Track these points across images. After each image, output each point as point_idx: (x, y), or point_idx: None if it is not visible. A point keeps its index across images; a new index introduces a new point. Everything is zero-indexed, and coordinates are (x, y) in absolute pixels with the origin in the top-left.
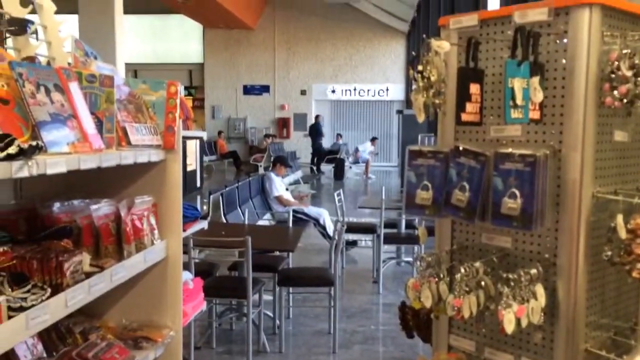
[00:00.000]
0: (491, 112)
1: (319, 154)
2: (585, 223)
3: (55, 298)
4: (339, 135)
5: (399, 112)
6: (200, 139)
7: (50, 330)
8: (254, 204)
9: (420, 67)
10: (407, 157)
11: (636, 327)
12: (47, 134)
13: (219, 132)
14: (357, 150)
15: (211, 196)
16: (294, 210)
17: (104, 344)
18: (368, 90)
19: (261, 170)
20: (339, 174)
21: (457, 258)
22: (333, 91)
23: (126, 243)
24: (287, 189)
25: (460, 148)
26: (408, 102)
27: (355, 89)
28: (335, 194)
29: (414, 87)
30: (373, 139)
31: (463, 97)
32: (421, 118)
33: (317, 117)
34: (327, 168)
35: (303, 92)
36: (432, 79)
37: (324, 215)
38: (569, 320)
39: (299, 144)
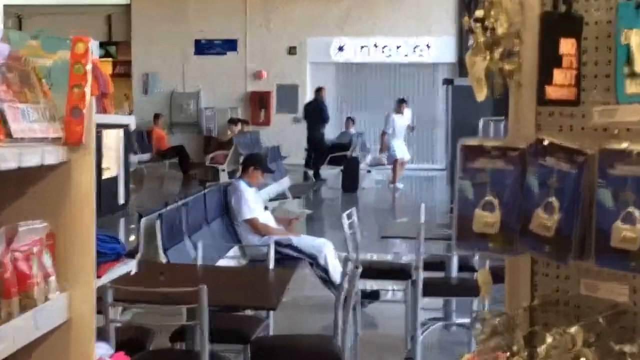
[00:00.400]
0: (594, 84)
1: (319, 150)
2: None
3: None
4: (349, 120)
5: (448, 82)
6: (125, 127)
7: None
8: (212, 232)
9: (480, 13)
10: (460, 156)
11: None
12: None
13: (156, 116)
14: (383, 134)
15: (143, 220)
16: (277, 243)
17: None
18: (397, 48)
19: (224, 177)
20: (350, 182)
21: (540, 319)
22: (340, 49)
23: (4, 297)
24: (266, 208)
25: (545, 142)
26: (462, 67)
27: (376, 46)
28: (345, 216)
29: (470, 43)
30: (401, 102)
31: (549, 60)
32: (482, 93)
33: (318, 90)
34: (332, 172)
35: (292, 51)
36: (500, 31)
37: (325, 250)
38: None
39: (285, 133)
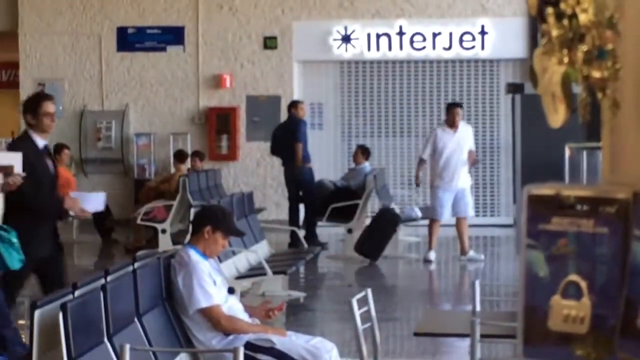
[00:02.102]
0: None
1: (309, 199)
2: None
3: None
4: (361, 151)
5: (515, 88)
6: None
7: None
8: (147, 331)
9: None
10: (527, 212)
11: None
12: None
13: (58, 149)
14: (420, 164)
15: (38, 312)
16: (249, 345)
17: None
18: (434, 36)
19: (166, 243)
20: (370, 247)
21: None
22: (346, 39)
23: None
24: (232, 290)
25: None
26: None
27: (400, 33)
28: (354, 302)
29: (540, 39)
30: (454, 108)
31: None
32: (557, 116)
33: (293, 106)
34: (335, 232)
35: (270, 44)
36: (584, 19)
37: (326, 356)
38: None
39: (261, 172)
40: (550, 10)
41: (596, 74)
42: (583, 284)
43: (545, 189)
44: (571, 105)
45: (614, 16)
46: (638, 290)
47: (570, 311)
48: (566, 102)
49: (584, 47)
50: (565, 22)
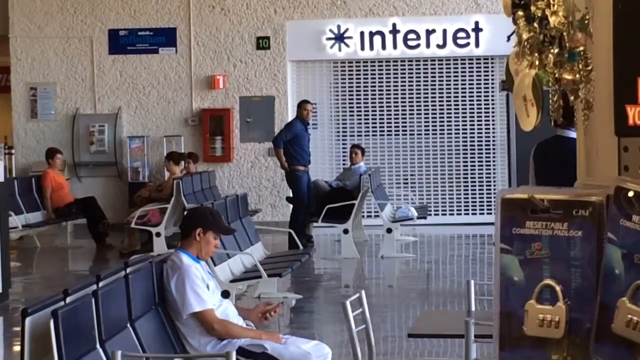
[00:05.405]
0: None
1: (300, 200)
2: None
3: None
4: (357, 150)
5: (509, 85)
6: None
7: None
8: (140, 336)
9: None
10: (500, 216)
11: None
12: None
13: (51, 153)
14: None
15: (29, 319)
16: (242, 351)
17: None
18: (428, 33)
19: (161, 246)
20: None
21: None
22: (339, 38)
23: None
24: (226, 294)
25: (631, 193)
26: None
27: (394, 31)
28: (347, 304)
29: (511, 42)
30: None
31: (632, 64)
32: (528, 120)
33: (299, 104)
34: (331, 232)
35: (263, 44)
36: (554, 21)
37: None
38: None
39: (256, 173)
40: (520, 13)
41: (568, 76)
42: (558, 288)
43: (519, 193)
44: (542, 108)
45: (585, 18)
46: (612, 294)
47: (545, 315)
48: (537, 105)
49: (554, 50)
50: (536, 25)
